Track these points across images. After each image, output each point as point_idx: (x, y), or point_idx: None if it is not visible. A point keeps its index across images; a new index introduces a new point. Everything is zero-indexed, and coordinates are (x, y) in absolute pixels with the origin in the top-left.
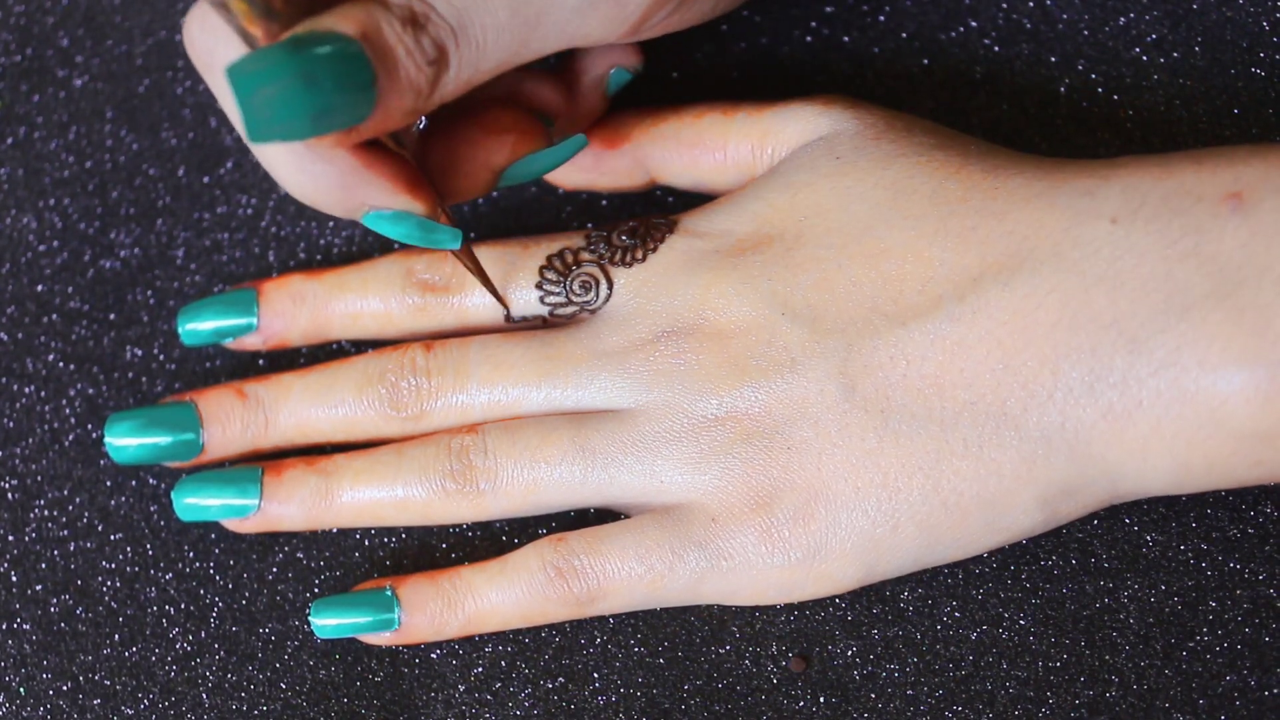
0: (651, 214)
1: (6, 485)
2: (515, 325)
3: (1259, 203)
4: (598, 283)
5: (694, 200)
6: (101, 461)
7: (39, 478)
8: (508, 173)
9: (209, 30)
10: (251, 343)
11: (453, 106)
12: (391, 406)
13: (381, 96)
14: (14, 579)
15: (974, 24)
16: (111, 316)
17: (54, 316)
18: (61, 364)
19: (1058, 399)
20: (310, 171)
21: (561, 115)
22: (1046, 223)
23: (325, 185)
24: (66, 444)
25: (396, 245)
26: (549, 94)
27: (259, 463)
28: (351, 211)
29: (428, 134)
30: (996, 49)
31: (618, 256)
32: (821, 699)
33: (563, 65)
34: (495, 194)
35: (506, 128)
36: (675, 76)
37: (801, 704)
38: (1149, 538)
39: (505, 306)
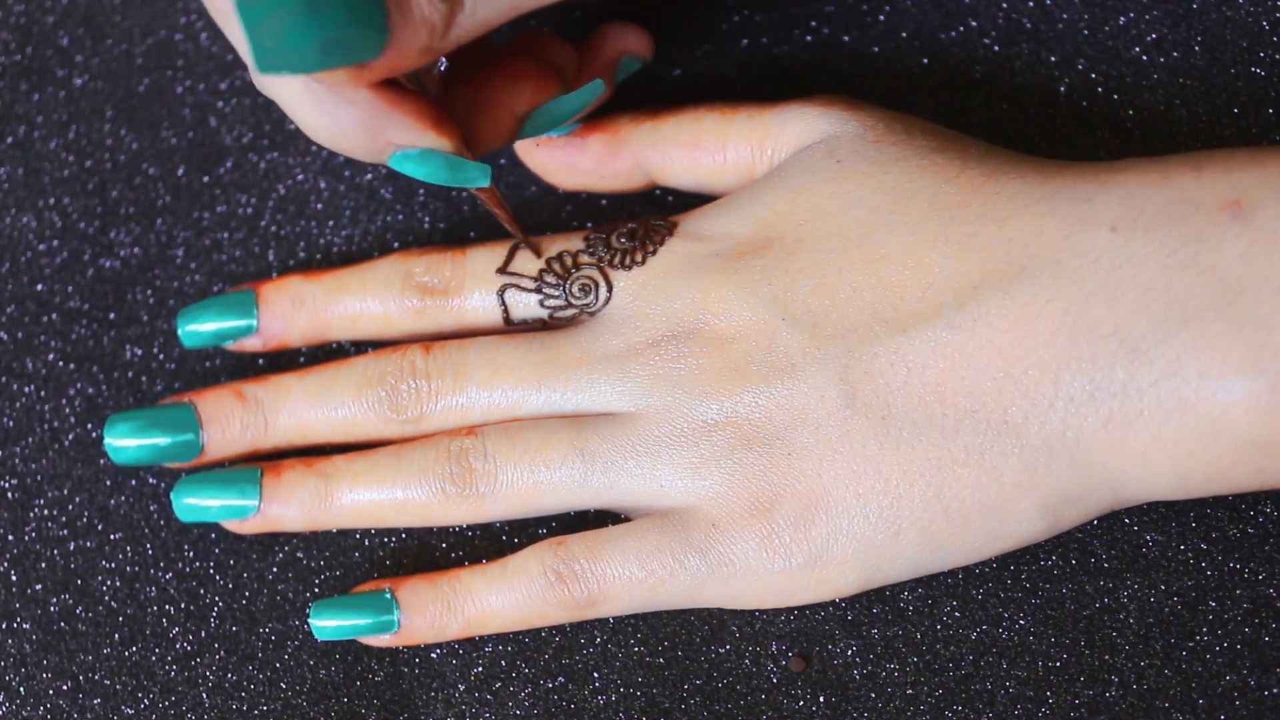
0: (651, 214)
1: (6, 485)
2: (514, 327)
3: (1258, 211)
4: (597, 286)
5: (693, 199)
6: (101, 461)
7: (39, 477)
8: (530, 120)
9: None
10: (251, 345)
11: (472, 56)
12: (391, 409)
13: (394, 33)
14: (14, 578)
15: (974, 23)
16: (111, 316)
17: (54, 316)
18: (61, 363)
19: (1059, 408)
20: (333, 113)
21: (573, 79)
22: (1046, 230)
23: (349, 126)
24: (66, 443)
25: (396, 245)
26: (563, 54)
27: (258, 464)
28: (378, 153)
29: (449, 82)
30: (996, 48)
31: (617, 259)
32: (821, 698)
33: (577, 51)
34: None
35: (525, 75)
36: (675, 75)
37: (801, 703)
38: (1149, 538)
39: (536, 252)
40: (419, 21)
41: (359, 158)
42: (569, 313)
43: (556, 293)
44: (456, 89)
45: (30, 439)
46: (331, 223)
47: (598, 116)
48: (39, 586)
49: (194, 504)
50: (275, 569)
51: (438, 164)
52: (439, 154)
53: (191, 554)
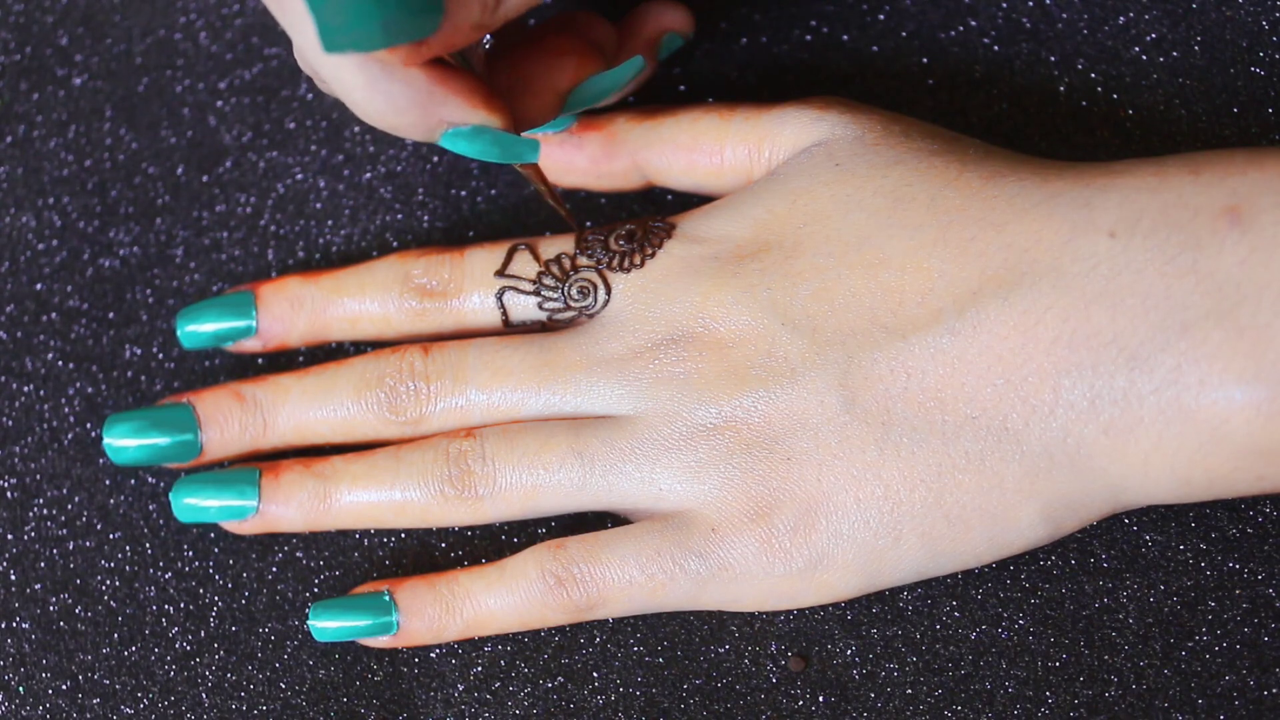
0: (649, 214)
1: (5, 484)
2: (513, 329)
3: (1256, 217)
4: (595, 288)
5: (692, 199)
6: (100, 460)
7: (38, 476)
8: (572, 96)
9: None
10: (250, 346)
11: (514, 35)
12: (390, 410)
13: (449, 9)
14: (13, 578)
15: (973, 23)
16: (111, 315)
17: (53, 315)
18: (61, 363)
19: (1059, 415)
20: (387, 92)
21: (614, 56)
22: (1045, 235)
23: (403, 104)
24: (65, 443)
25: (395, 245)
26: (603, 32)
27: (257, 464)
28: (430, 131)
29: (492, 61)
30: (996, 48)
31: (615, 262)
32: (821, 698)
33: (617, 29)
34: (494, 191)
35: (567, 51)
36: (674, 74)
37: (801, 703)
38: (1148, 538)
39: (575, 228)
40: None
41: (411, 136)
42: (568, 315)
43: (555, 295)
44: (500, 67)
45: (29, 438)
46: (331, 222)
47: (595, 115)
48: (38, 586)
49: (193, 504)
50: (274, 569)
51: (488, 141)
52: (489, 130)
53: (191, 554)
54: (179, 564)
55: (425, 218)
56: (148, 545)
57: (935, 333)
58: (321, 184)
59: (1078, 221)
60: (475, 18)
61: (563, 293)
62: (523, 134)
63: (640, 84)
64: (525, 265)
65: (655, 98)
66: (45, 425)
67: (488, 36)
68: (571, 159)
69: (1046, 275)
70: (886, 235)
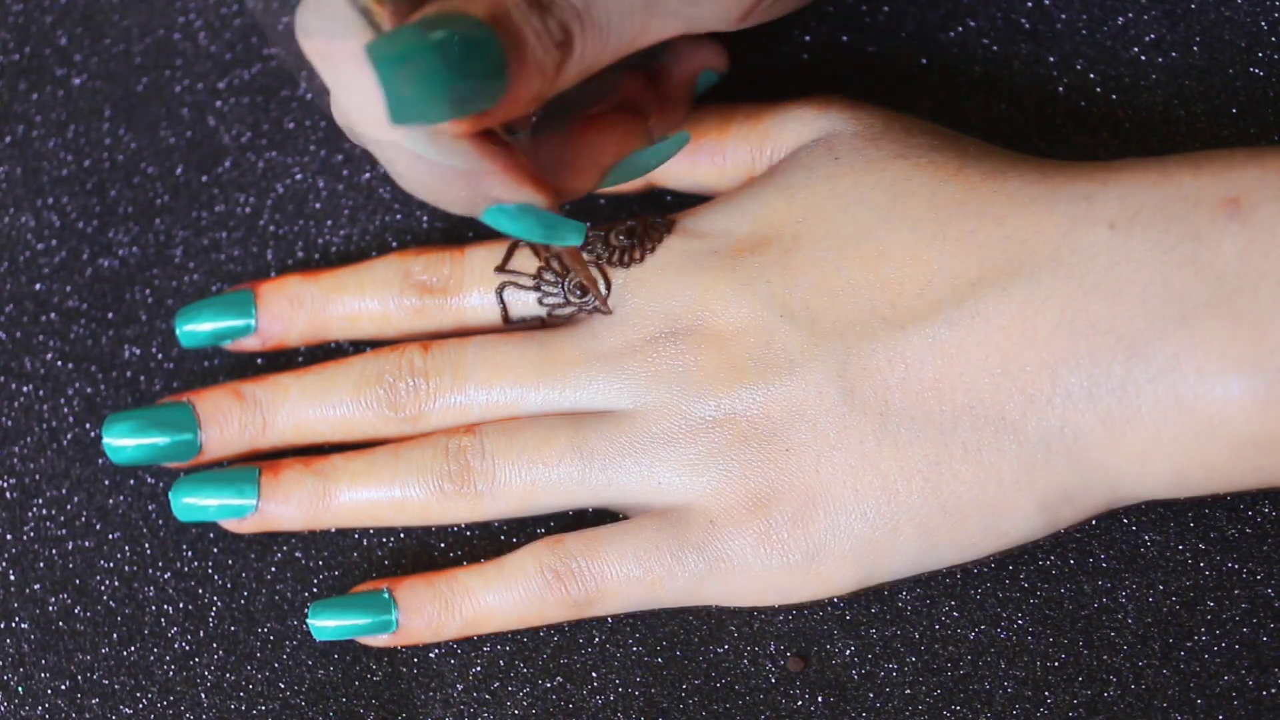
0: (649, 213)
1: (5, 484)
2: (513, 326)
3: (1256, 209)
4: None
5: (692, 199)
6: (100, 460)
7: (37, 476)
8: (614, 171)
9: (327, 14)
10: (250, 345)
11: (559, 106)
12: (389, 407)
13: (512, 80)
14: (12, 578)
15: (972, 23)
16: (110, 315)
17: (52, 315)
18: (60, 363)
19: (1057, 405)
20: (432, 166)
21: (654, 115)
22: (1045, 228)
23: (451, 179)
24: (65, 443)
25: (394, 244)
26: (644, 92)
27: (256, 463)
28: (474, 207)
29: (537, 133)
30: (995, 48)
31: (615, 257)
32: (820, 698)
33: (652, 68)
34: None
35: (612, 125)
36: None
37: (800, 703)
38: (1147, 538)
39: (606, 310)
40: (534, 68)
41: (453, 210)
42: (567, 310)
43: (555, 291)
44: (545, 140)
45: (29, 438)
46: (330, 222)
47: None
48: (37, 586)
49: (192, 503)
50: (274, 569)
51: (533, 220)
52: (534, 210)
53: (190, 554)
54: (178, 564)
55: (425, 218)
56: (147, 545)
57: (934, 324)
58: (321, 184)
59: (1077, 214)
60: (536, 88)
61: (563, 288)
62: (562, 206)
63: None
64: (525, 261)
65: None
66: (44, 425)
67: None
68: None
69: (1045, 266)
70: (886, 229)
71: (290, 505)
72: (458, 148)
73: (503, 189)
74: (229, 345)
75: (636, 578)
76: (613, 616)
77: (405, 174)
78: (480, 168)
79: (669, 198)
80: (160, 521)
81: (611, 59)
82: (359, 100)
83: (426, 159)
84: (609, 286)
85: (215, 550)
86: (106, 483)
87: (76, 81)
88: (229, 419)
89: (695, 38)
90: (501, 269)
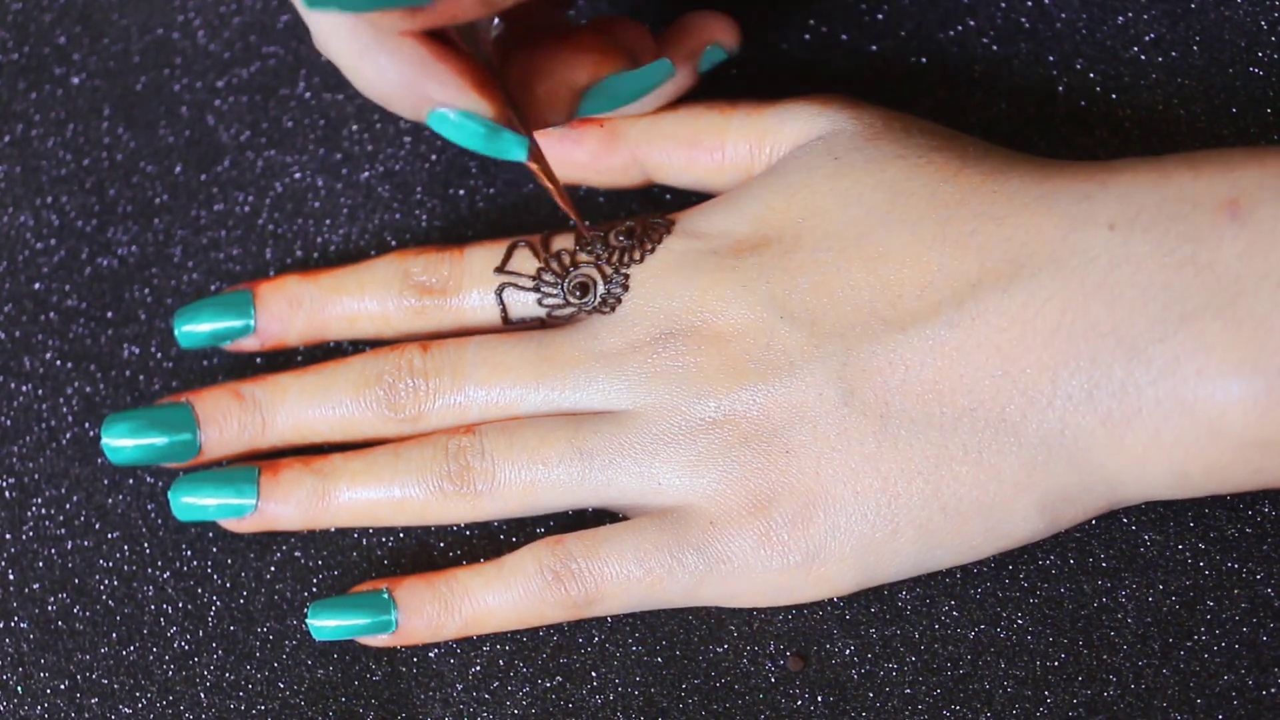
0: (649, 212)
1: (4, 484)
2: (512, 326)
3: (1255, 210)
4: (595, 284)
5: (692, 197)
6: (99, 460)
7: (36, 476)
8: (589, 97)
9: None
10: (249, 345)
11: (535, 26)
12: (389, 407)
13: None
14: (11, 577)
15: (972, 23)
16: (109, 314)
17: (51, 314)
18: (59, 362)
19: (1057, 406)
20: (376, 62)
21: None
22: (1044, 228)
23: (392, 78)
24: (64, 442)
25: (393, 243)
26: (637, 38)
27: (255, 463)
28: (416, 108)
29: (507, 49)
30: (995, 48)
31: (615, 257)
32: (819, 698)
33: (658, 37)
34: (493, 190)
35: (588, 48)
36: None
37: (799, 703)
38: (1146, 537)
39: (583, 233)
40: None
41: (399, 112)
42: (567, 311)
43: (555, 291)
44: (515, 56)
45: (28, 438)
46: (329, 221)
47: None
48: (36, 586)
49: (192, 503)
50: (273, 568)
51: (474, 129)
52: (476, 119)
53: (189, 553)
54: (177, 564)
55: (423, 217)
56: (146, 545)
57: (934, 325)
58: (320, 183)
59: (1077, 215)
60: None
61: (562, 289)
62: (534, 132)
63: (677, 95)
64: (525, 262)
65: None
66: (43, 425)
67: (497, 20)
68: (571, 154)
69: (1045, 267)
70: (886, 229)
71: (290, 505)
72: (401, 46)
73: (444, 92)
74: (228, 346)
75: (636, 578)
76: (613, 616)
77: (351, 70)
78: (424, 68)
79: (668, 197)
80: (159, 521)
81: None
82: None
83: (369, 55)
84: (619, 286)
85: (214, 550)
86: (106, 482)
87: (75, 80)
88: (228, 419)
89: (709, 10)
90: (501, 269)
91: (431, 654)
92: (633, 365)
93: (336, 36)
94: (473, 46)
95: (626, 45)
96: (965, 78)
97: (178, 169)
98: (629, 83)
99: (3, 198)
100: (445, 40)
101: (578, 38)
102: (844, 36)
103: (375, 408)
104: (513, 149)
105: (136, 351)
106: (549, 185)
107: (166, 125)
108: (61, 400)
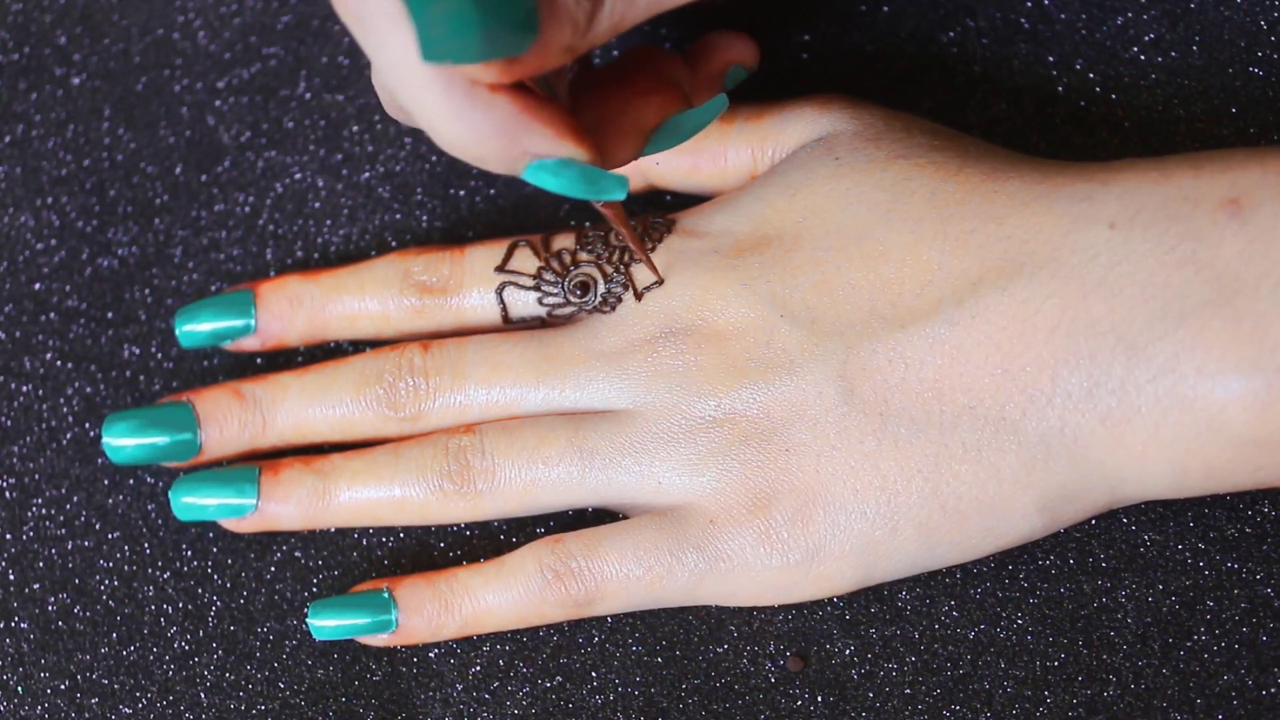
0: (649, 213)
1: (4, 484)
2: (513, 325)
3: (1256, 209)
4: (595, 283)
5: (692, 199)
6: (99, 460)
7: (37, 476)
8: (656, 135)
9: None
10: (249, 345)
11: (595, 71)
12: (389, 407)
13: (542, 26)
14: (11, 578)
15: (972, 23)
16: (109, 315)
17: (52, 315)
18: (59, 362)
19: (1057, 404)
20: (470, 120)
21: (690, 91)
22: (1044, 227)
23: (487, 133)
24: (64, 442)
25: (394, 244)
26: (677, 68)
27: (256, 462)
28: (514, 162)
29: (575, 96)
30: (995, 48)
31: (615, 257)
32: (819, 698)
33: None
34: (493, 191)
35: (650, 89)
36: None
37: (799, 703)
38: (1146, 537)
39: (658, 276)
40: (565, 17)
41: (493, 168)
42: (567, 310)
43: (555, 291)
44: (583, 103)
45: (28, 438)
46: (329, 221)
47: None
48: (37, 586)
49: (192, 503)
50: (273, 568)
51: (574, 175)
52: (575, 165)
53: (189, 553)
54: (177, 564)
55: (424, 217)
56: (146, 545)
57: (934, 323)
58: (320, 183)
59: (1078, 214)
60: (567, 39)
61: (562, 288)
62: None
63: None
64: (525, 261)
65: None
66: (44, 425)
67: (572, 67)
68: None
69: (1045, 266)
70: (886, 228)
71: (290, 504)
72: (494, 101)
73: (542, 143)
74: (228, 345)
75: (636, 577)
76: (612, 616)
77: (442, 129)
78: (518, 121)
79: (669, 198)
80: (160, 521)
81: (642, 16)
82: (394, 56)
83: (463, 112)
84: (620, 285)
85: (215, 550)
86: (106, 482)
87: (76, 81)
88: (229, 418)
89: (727, 31)
90: (501, 269)
91: (431, 654)
92: (633, 364)
93: (429, 100)
94: (549, 93)
95: (675, 78)
96: (965, 78)
97: (178, 169)
98: (691, 120)
99: (3, 198)
100: (530, 91)
101: (638, 81)
102: (844, 37)
103: (375, 407)
104: (614, 190)
105: (137, 352)
106: (624, 229)
107: (167, 126)
108: (62, 400)
